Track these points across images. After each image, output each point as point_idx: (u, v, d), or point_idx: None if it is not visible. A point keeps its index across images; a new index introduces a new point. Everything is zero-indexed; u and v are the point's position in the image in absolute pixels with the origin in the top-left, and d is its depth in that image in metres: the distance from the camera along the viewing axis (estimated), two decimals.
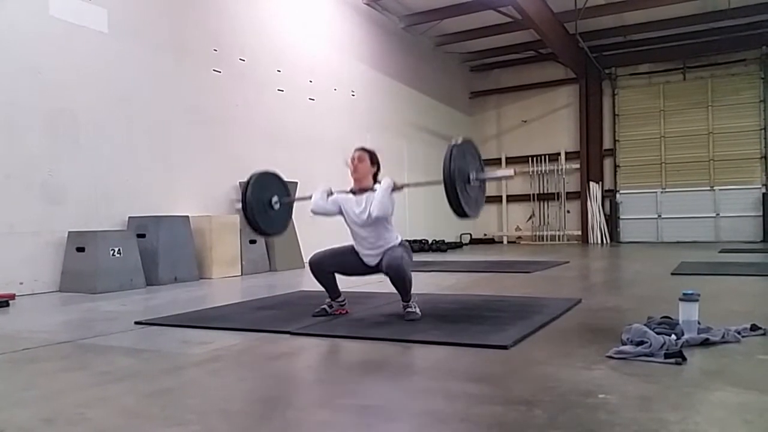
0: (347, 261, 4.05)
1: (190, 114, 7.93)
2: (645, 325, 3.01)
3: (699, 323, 3.05)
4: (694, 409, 2.05)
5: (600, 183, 15.28)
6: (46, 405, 2.27)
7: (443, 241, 13.45)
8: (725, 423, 1.92)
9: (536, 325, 3.50)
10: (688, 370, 2.54)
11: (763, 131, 14.00)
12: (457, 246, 14.37)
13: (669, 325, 3.09)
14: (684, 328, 3.00)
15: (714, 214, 14.38)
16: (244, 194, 4.21)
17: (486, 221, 16.93)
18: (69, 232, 6.29)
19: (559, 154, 15.84)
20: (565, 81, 15.73)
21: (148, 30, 7.43)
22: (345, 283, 4.22)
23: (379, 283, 5.81)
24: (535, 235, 16.16)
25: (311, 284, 6.32)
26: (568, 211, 15.81)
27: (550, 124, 16.10)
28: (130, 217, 6.92)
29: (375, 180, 4.04)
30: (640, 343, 2.77)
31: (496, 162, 16.64)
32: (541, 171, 16.04)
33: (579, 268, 7.97)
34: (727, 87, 14.27)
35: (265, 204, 4.31)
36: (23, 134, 6.05)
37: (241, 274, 7.71)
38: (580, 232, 15.46)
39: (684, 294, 3.06)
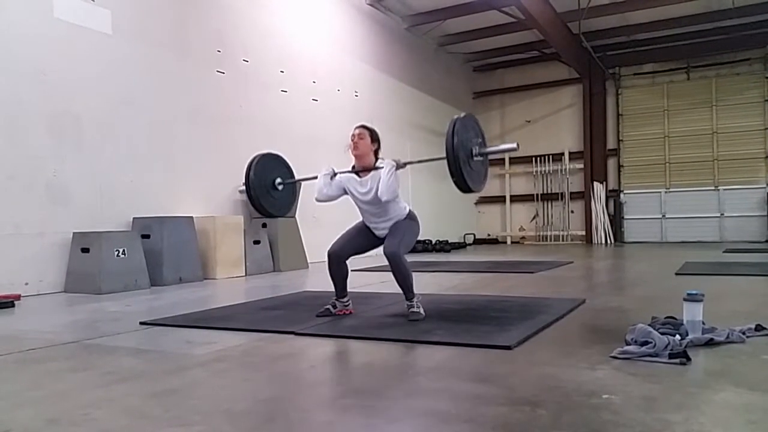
0: (362, 241, 4.08)
1: (193, 115, 7.95)
2: (649, 325, 3.01)
3: (703, 323, 3.05)
4: (698, 409, 2.05)
5: (604, 183, 15.26)
6: (51, 405, 2.28)
7: (447, 241, 13.45)
8: (729, 423, 1.92)
9: (540, 326, 3.49)
10: (693, 370, 2.54)
11: (767, 131, 13.96)
12: (460, 246, 14.37)
13: (673, 325, 3.09)
14: (688, 328, 2.99)
15: (718, 214, 14.34)
16: (247, 176, 4.24)
17: (489, 222, 16.94)
18: (74, 232, 6.31)
19: (562, 154, 15.82)
20: (568, 81, 15.71)
21: (152, 31, 7.45)
22: (349, 283, 4.21)
23: (383, 284, 5.82)
24: (539, 236, 16.14)
25: (315, 284, 6.35)
26: (572, 211, 15.79)
27: (553, 124, 16.09)
28: (134, 218, 6.94)
29: (376, 157, 4.04)
30: (644, 344, 2.77)
31: (499, 162, 16.65)
32: (544, 171, 16.02)
33: (583, 269, 7.95)
34: (731, 86, 14.23)
35: (269, 185, 4.34)
36: (27, 135, 6.07)
37: (245, 275, 7.72)
38: (584, 232, 15.44)
39: (688, 294, 3.05)
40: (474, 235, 16.37)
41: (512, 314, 3.95)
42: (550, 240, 15.95)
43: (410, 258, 4.11)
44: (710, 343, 2.92)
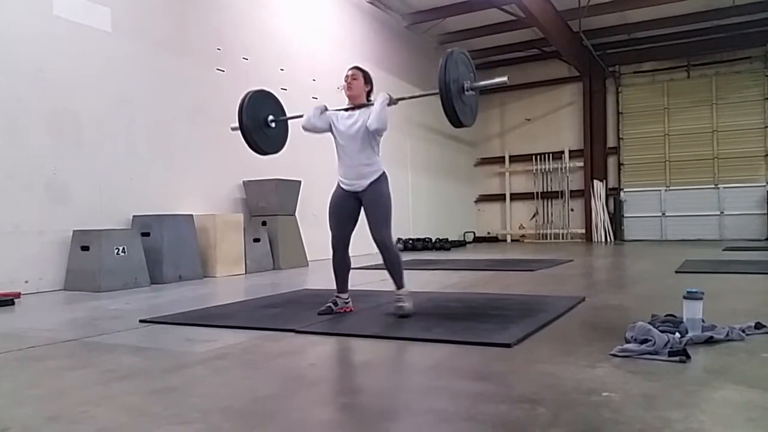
0: (348, 219, 4.03)
1: (193, 113, 7.95)
2: (649, 323, 3.01)
3: (703, 321, 3.05)
4: (698, 407, 2.05)
5: (604, 181, 15.26)
6: (50, 403, 2.27)
7: (447, 239, 13.45)
8: (729, 421, 1.92)
9: (540, 324, 3.49)
10: (692, 368, 2.54)
11: (767, 129, 13.95)
12: (460, 244, 14.37)
13: (673, 323, 3.09)
14: (688, 326, 2.99)
15: (718, 212, 14.34)
16: (240, 113, 4.26)
17: (489, 220, 16.94)
18: (73, 231, 6.31)
19: (562, 152, 15.82)
20: (568, 79, 15.70)
21: (152, 29, 7.44)
22: (349, 281, 4.21)
23: (383, 282, 5.82)
24: (539, 234, 16.14)
25: (315, 282, 6.35)
26: (572, 210, 15.79)
27: (553, 122, 16.08)
28: (134, 216, 6.94)
29: (368, 99, 4.10)
30: (644, 341, 2.77)
31: (499, 160, 16.64)
32: (544, 169, 16.02)
33: (583, 267, 7.95)
34: (731, 84, 14.23)
35: (261, 123, 4.37)
36: (27, 134, 6.07)
37: (245, 273, 7.72)
38: (584, 231, 15.44)
39: (688, 292, 3.05)
40: (474, 233, 16.38)
41: (512, 312, 3.95)
42: (550, 238, 15.95)
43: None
44: (710, 341, 2.92)
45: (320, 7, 10.69)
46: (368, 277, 6.43)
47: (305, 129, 4.17)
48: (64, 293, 6.01)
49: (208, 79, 8.24)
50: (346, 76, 4.06)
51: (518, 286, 5.74)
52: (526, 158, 16.20)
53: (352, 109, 4.06)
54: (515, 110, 16.56)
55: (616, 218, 15.16)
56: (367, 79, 4.11)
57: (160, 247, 6.71)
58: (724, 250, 10.32)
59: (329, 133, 4.16)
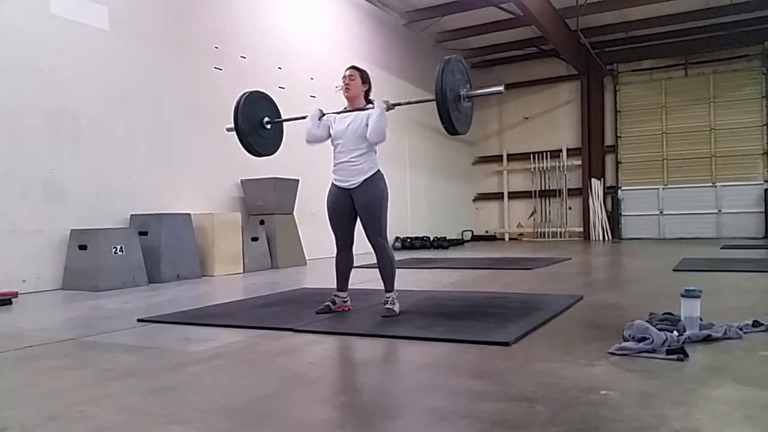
0: (346, 221, 4.04)
1: (191, 111, 7.93)
2: (647, 321, 3.02)
3: (701, 319, 3.05)
4: (696, 405, 2.05)
5: (602, 179, 15.26)
6: (48, 402, 2.27)
7: (445, 238, 13.46)
8: (727, 419, 1.92)
9: (538, 322, 3.50)
10: (690, 366, 2.54)
11: (765, 127, 13.96)
12: (458, 243, 14.38)
13: (671, 321, 3.09)
14: (686, 324, 3.00)
15: (716, 211, 14.36)
16: (235, 115, 4.25)
17: (487, 218, 16.94)
18: (71, 230, 6.30)
19: (560, 150, 15.82)
20: (566, 77, 15.70)
21: (149, 27, 7.43)
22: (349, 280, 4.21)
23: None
24: (537, 232, 16.15)
25: (313, 281, 6.35)
26: (570, 208, 15.79)
27: (551, 120, 16.08)
28: (132, 215, 6.93)
29: (366, 98, 4.07)
30: (642, 340, 2.77)
31: (497, 158, 16.64)
32: (542, 167, 16.02)
33: (580, 265, 7.96)
34: (729, 83, 14.23)
35: (257, 125, 4.36)
36: (24, 132, 6.05)
37: (244, 272, 7.72)
38: (581, 229, 15.45)
39: (686, 290, 3.06)
40: (472, 232, 16.38)
41: (510, 311, 3.95)
42: (548, 237, 15.96)
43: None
44: (708, 339, 2.92)
45: (318, 5, 10.67)
46: (367, 276, 6.43)
47: (309, 143, 4.14)
48: (62, 292, 6.00)
49: (206, 77, 8.22)
50: (344, 77, 4.03)
51: (516, 284, 5.75)
52: (524, 157, 16.19)
53: (349, 112, 4.04)
54: (513, 109, 16.55)
55: (614, 216, 15.17)
56: (365, 78, 4.07)
57: (158, 246, 6.70)
58: (721, 248, 10.34)
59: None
